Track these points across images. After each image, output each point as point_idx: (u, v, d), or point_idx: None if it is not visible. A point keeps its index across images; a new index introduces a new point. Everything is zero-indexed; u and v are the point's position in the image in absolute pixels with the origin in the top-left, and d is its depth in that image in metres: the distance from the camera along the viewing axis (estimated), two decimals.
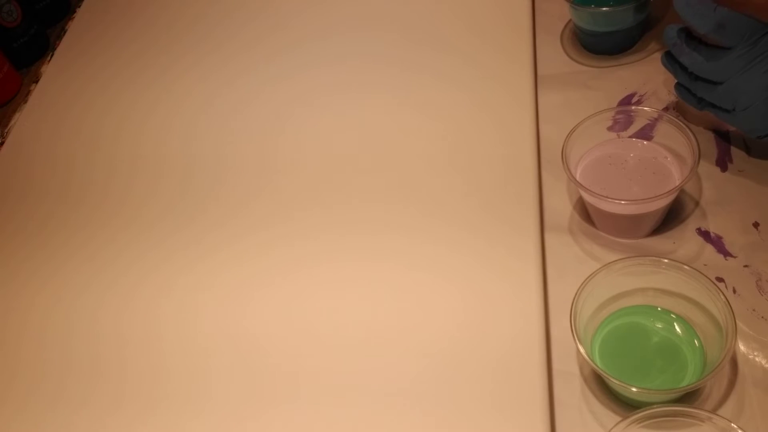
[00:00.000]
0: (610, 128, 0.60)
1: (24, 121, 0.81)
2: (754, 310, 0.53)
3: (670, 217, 0.58)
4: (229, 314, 0.60)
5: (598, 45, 0.71)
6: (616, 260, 0.51)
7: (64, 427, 0.56)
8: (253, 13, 0.85)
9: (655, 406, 0.45)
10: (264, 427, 0.53)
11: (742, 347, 0.51)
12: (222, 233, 0.65)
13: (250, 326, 0.59)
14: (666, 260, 0.50)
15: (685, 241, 0.57)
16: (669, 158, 0.57)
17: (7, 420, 0.58)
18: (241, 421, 0.54)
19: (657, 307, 0.52)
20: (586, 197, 0.57)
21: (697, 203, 0.59)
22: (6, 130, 0.81)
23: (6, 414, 0.58)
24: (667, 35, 0.56)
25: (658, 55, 0.60)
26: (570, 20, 0.74)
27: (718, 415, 0.44)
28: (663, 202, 0.55)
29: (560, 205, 0.61)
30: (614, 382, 0.47)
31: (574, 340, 0.48)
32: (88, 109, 0.80)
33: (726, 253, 0.56)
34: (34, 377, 0.60)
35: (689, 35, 0.55)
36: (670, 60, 0.58)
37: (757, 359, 0.51)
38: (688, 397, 0.50)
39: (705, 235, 0.57)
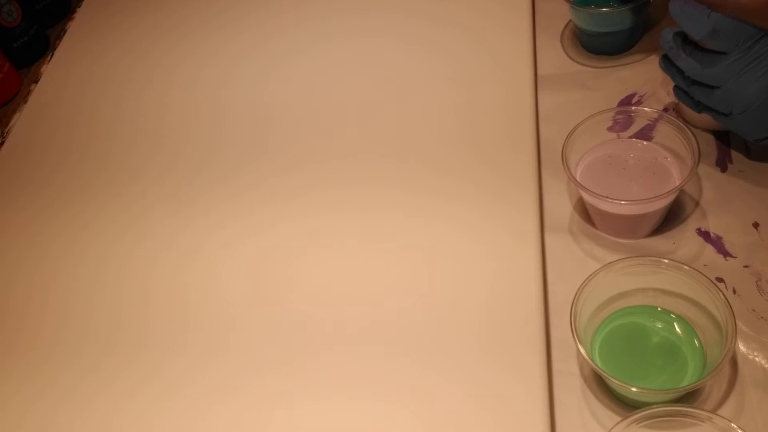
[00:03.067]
0: (610, 128, 0.60)
1: (24, 121, 0.81)
2: (754, 310, 0.53)
3: (670, 217, 0.58)
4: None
5: (598, 45, 0.71)
6: (616, 260, 0.51)
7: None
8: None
9: (655, 406, 0.45)
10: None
11: (742, 347, 0.51)
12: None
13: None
14: (666, 260, 0.50)
15: (685, 241, 0.57)
16: (669, 159, 0.57)
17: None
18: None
19: (657, 307, 0.53)
20: (586, 197, 0.57)
21: (697, 203, 0.59)
22: (6, 130, 0.81)
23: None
24: (663, 39, 0.56)
25: (657, 56, 0.60)
26: (570, 20, 0.74)
27: (718, 415, 0.44)
28: (663, 203, 0.55)
29: (560, 205, 0.61)
30: (614, 382, 0.47)
31: (574, 340, 0.48)
32: (88, 109, 0.80)
33: (726, 254, 0.56)
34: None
35: (685, 39, 0.55)
36: (668, 63, 0.58)
37: (757, 359, 0.51)
38: (688, 397, 0.50)
39: (705, 235, 0.57)
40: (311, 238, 0.63)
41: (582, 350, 0.47)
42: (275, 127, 0.73)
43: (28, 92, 0.85)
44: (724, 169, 0.60)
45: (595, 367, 0.47)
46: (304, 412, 0.53)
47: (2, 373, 0.60)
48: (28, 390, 0.59)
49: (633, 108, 0.59)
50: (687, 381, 0.49)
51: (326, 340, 0.57)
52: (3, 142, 0.80)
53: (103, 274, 0.65)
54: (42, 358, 0.60)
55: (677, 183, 0.55)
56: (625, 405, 0.50)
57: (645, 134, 0.59)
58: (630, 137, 0.59)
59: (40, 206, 0.72)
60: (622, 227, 0.58)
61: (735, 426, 0.43)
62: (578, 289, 0.50)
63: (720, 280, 0.54)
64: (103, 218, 0.69)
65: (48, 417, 0.57)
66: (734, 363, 0.51)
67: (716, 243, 0.57)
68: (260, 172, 0.69)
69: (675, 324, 0.52)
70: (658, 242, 0.58)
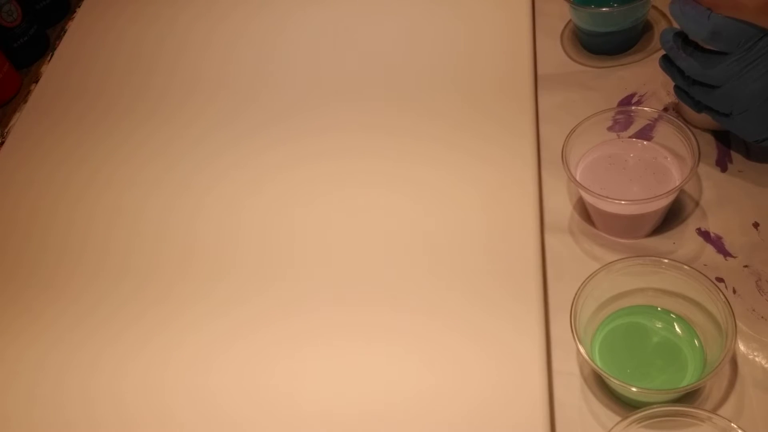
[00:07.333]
0: (610, 128, 0.60)
1: (24, 121, 0.81)
2: (754, 310, 0.53)
3: (670, 217, 0.58)
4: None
5: (598, 45, 0.71)
6: (616, 260, 0.51)
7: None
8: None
9: (655, 406, 0.45)
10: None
11: (742, 347, 0.51)
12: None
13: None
14: (666, 260, 0.50)
15: (685, 241, 0.57)
16: (669, 158, 0.57)
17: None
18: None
19: (657, 307, 0.53)
20: (586, 197, 0.57)
21: (697, 203, 0.59)
22: (6, 130, 0.81)
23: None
24: (663, 39, 0.56)
25: (657, 56, 0.60)
26: (570, 20, 0.74)
27: (718, 415, 0.44)
28: (663, 202, 0.55)
29: (560, 205, 0.61)
30: (614, 382, 0.47)
31: (574, 340, 0.48)
32: (88, 109, 0.80)
33: (726, 253, 0.56)
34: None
35: (686, 39, 0.55)
36: (668, 63, 0.58)
37: (757, 359, 0.51)
38: (688, 397, 0.50)
39: (705, 235, 0.57)
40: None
41: (582, 350, 0.47)
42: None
43: (28, 92, 0.85)
44: (724, 169, 0.60)
45: (595, 367, 0.47)
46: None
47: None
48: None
49: (633, 108, 0.59)
50: (687, 381, 0.49)
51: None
52: (3, 142, 0.80)
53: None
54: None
55: (677, 183, 0.55)
56: (625, 405, 0.50)
57: (645, 134, 0.59)
58: (630, 137, 0.59)
59: (42, 206, 0.72)
60: (622, 227, 0.58)
61: (735, 426, 0.43)
62: (578, 289, 0.50)
63: (720, 280, 0.54)
64: (102, 215, 0.70)
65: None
66: (734, 363, 0.51)
67: (716, 243, 0.57)
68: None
69: (675, 324, 0.52)
70: (658, 242, 0.58)
